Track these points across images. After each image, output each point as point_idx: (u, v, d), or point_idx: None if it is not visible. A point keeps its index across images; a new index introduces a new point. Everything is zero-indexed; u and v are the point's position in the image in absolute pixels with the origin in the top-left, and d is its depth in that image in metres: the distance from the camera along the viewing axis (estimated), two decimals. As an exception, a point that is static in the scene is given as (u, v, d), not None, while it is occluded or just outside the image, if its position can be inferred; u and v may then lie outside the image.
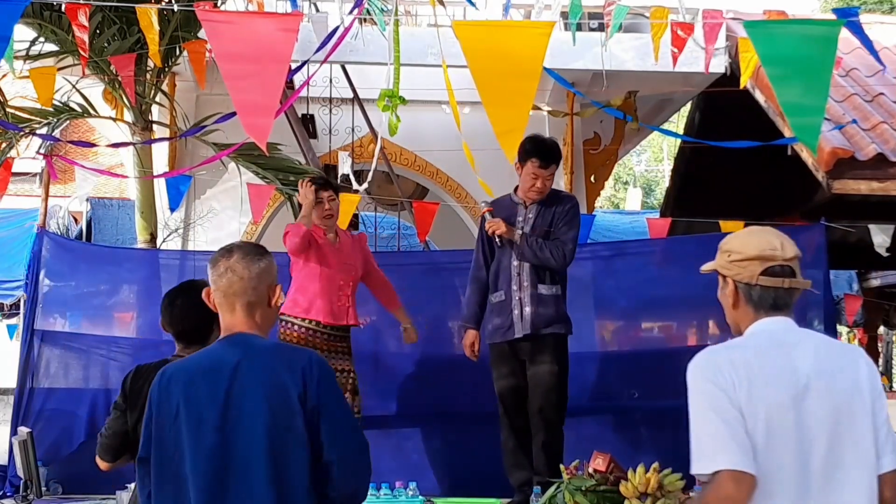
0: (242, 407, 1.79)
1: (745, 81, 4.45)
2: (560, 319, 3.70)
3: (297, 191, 5.48)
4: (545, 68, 3.76)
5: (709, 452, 1.59)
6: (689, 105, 7.40)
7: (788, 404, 1.63)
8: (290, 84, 5.23)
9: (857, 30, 3.37)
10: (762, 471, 1.60)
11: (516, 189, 3.82)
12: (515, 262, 3.71)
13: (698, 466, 1.61)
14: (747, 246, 1.75)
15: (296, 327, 3.79)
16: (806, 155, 4.84)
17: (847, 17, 3.33)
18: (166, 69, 5.56)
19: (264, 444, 1.77)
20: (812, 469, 1.62)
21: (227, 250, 1.94)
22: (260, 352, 1.86)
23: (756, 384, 1.63)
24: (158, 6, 4.64)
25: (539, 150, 3.70)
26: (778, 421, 1.62)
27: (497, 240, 3.71)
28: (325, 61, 4.34)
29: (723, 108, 6.39)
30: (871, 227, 4.92)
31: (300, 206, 3.99)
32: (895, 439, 1.67)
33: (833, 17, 3.53)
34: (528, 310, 3.65)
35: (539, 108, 6.22)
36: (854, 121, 4.98)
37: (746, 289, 1.74)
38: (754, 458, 1.59)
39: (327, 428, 1.79)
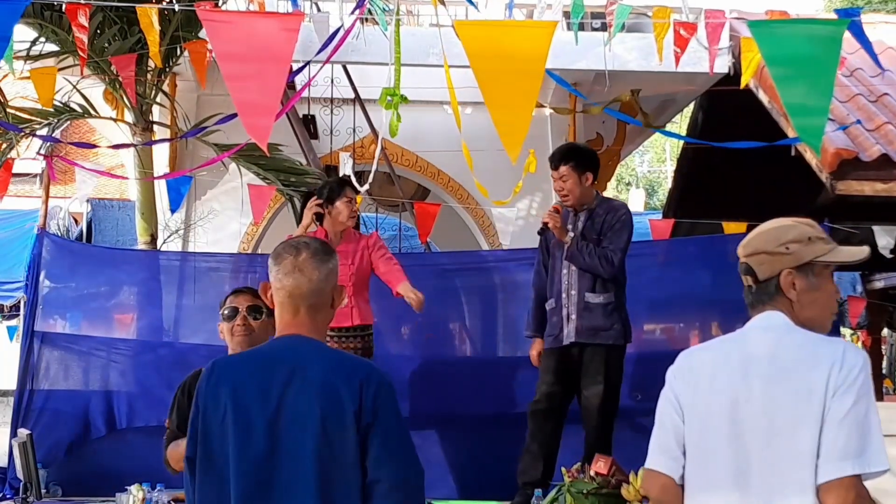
0: (294, 416, 1.69)
1: (745, 81, 4.43)
2: (608, 328, 3.63)
3: (299, 192, 5.48)
4: (546, 70, 3.75)
5: (650, 449, 1.79)
6: (692, 105, 7.38)
7: (727, 409, 1.63)
8: (291, 85, 5.22)
9: (859, 31, 3.34)
10: (697, 473, 1.67)
11: None
12: (566, 270, 3.70)
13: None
14: (744, 243, 1.79)
15: None
16: (810, 156, 4.82)
17: (849, 17, 3.30)
18: (167, 69, 5.55)
19: (313, 460, 1.67)
20: (750, 476, 1.59)
21: (295, 247, 1.82)
22: (318, 359, 1.76)
23: (700, 389, 1.69)
24: (159, 6, 4.62)
25: (549, 158, 3.78)
26: (712, 426, 1.65)
27: (545, 232, 3.70)
28: (326, 62, 4.32)
29: (726, 108, 6.36)
30: (875, 228, 4.89)
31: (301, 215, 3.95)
32: (847, 445, 1.52)
33: (835, 17, 3.51)
34: (573, 318, 3.64)
35: (544, 106, 6.19)
36: (858, 121, 4.96)
37: (746, 288, 1.78)
38: (689, 462, 1.69)
39: (379, 445, 1.68)
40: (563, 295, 3.68)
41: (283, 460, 1.68)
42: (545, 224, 3.69)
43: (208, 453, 1.72)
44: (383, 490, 1.67)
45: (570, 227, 3.72)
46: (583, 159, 3.76)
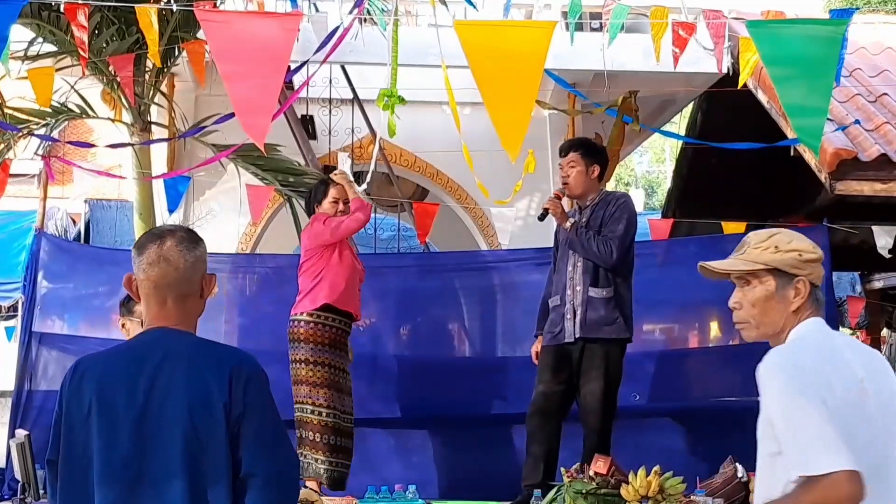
0: (162, 411, 1.62)
1: (742, 82, 4.43)
2: (611, 322, 3.62)
3: (297, 192, 5.47)
4: (545, 70, 3.76)
5: (823, 452, 1.54)
6: (691, 105, 7.38)
7: (855, 406, 1.62)
8: (289, 84, 5.21)
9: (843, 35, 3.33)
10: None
11: None
12: (570, 267, 3.70)
13: (812, 467, 1.55)
14: (815, 247, 1.74)
15: (317, 325, 3.76)
16: (809, 156, 4.81)
17: (843, 18, 3.30)
18: (165, 69, 5.54)
19: (182, 456, 1.60)
20: (879, 469, 1.60)
21: (158, 236, 1.73)
22: (186, 351, 1.68)
23: (834, 388, 1.61)
24: (157, 6, 4.61)
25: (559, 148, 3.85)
26: (850, 425, 1.59)
27: (545, 217, 3.72)
28: (324, 61, 4.32)
29: (725, 108, 6.36)
30: (874, 228, 4.88)
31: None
32: None
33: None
34: (578, 313, 3.62)
35: (543, 103, 6.15)
36: (857, 121, 4.95)
37: (814, 290, 1.72)
38: None
39: (251, 438, 1.62)
40: (568, 291, 3.68)
41: (150, 458, 1.61)
42: (545, 210, 3.70)
43: (71, 455, 1.65)
44: (258, 484, 1.61)
45: (572, 220, 3.74)
46: (592, 151, 3.82)
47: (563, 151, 3.79)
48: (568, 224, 3.68)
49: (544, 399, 3.67)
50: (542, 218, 3.76)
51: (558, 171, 3.88)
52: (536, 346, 3.82)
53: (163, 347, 1.69)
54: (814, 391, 1.58)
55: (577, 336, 3.62)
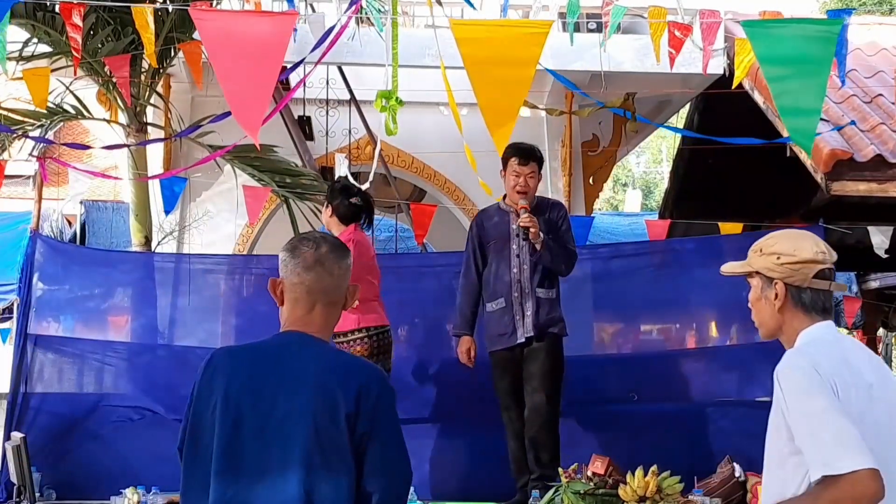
0: (286, 416, 1.61)
1: (737, 81, 4.43)
2: (557, 321, 3.80)
3: (294, 193, 5.46)
4: (547, 69, 3.76)
5: (845, 452, 1.57)
6: (687, 107, 7.39)
7: (866, 411, 1.65)
8: (285, 84, 5.21)
9: (842, 34, 3.34)
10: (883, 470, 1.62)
11: (504, 198, 3.87)
12: (515, 269, 3.76)
13: (834, 466, 1.57)
14: (800, 249, 1.77)
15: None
16: (805, 156, 4.82)
17: (841, 18, 3.31)
18: (161, 70, 5.52)
19: (301, 459, 1.59)
20: (883, 476, 1.60)
21: (314, 241, 1.73)
22: (318, 359, 1.68)
23: (848, 391, 1.65)
24: (154, 6, 4.61)
25: (515, 150, 3.78)
26: (863, 429, 1.61)
27: (521, 233, 3.72)
28: (319, 61, 4.31)
29: (721, 109, 6.37)
30: (870, 228, 4.89)
31: None
32: None
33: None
34: (529, 314, 3.73)
35: (537, 107, 6.20)
36: (853, 122, 4.96)
37: (797, 292, 1.76)
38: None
39: (376, 456, 1.62)
40: (515, 293, 3.75)
41: (270, 457, 1.61)
42: (527, 228, 3.67)
43: (196, 446, 1.66)
44: (375, 502, 1.62)
45: (514, 227, 3.77)
46: (542, 161, 3.88)
47: (524, 159, 3.75)
48: (540, 239, 3.68)
49: (515, 400, 3.76)
50: (526, 238, 3.72)
51: (546, 171, 3.90)
52: (468, 346, 3.83)
53: (296, 352, 1.68)
54: (831, 393, 1.62)
55: (529, 335, 3.72)
